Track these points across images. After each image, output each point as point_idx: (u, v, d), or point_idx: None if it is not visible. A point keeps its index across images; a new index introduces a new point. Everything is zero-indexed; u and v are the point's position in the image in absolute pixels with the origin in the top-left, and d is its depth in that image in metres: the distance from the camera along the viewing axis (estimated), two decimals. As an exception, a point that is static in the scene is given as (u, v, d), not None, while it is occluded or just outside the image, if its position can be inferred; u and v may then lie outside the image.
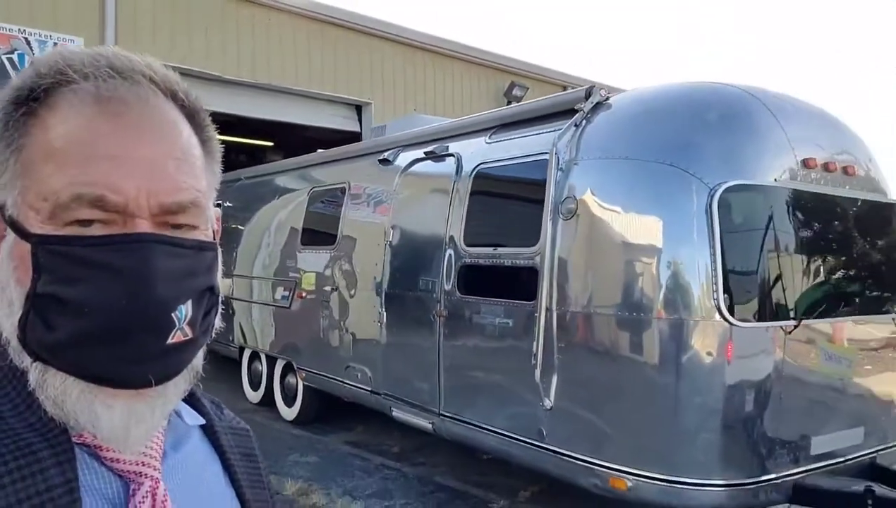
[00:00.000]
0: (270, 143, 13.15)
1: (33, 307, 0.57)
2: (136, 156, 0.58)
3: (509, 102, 12.82)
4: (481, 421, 4.59)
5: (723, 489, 3.67)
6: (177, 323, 0.58)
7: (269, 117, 10.39)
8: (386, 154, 5.83)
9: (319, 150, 7.72)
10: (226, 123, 10.32)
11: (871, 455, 4.23)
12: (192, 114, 0.65)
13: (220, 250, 0.67)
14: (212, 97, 9.52)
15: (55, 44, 8.14)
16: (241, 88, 9.85)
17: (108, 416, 0.58)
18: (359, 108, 11.31)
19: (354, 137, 10.51)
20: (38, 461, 0.56)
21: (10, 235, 0.59)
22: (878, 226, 4.32)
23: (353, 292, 6.01)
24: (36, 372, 0.58)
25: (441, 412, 4.93)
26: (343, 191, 6.35)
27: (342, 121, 11.24)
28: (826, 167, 4.05)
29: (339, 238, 6.23)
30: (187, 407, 0.73)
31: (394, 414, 5.43)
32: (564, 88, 14.48)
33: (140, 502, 0.60)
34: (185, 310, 0.59)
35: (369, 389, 5.70)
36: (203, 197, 0.63)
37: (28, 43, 7.97)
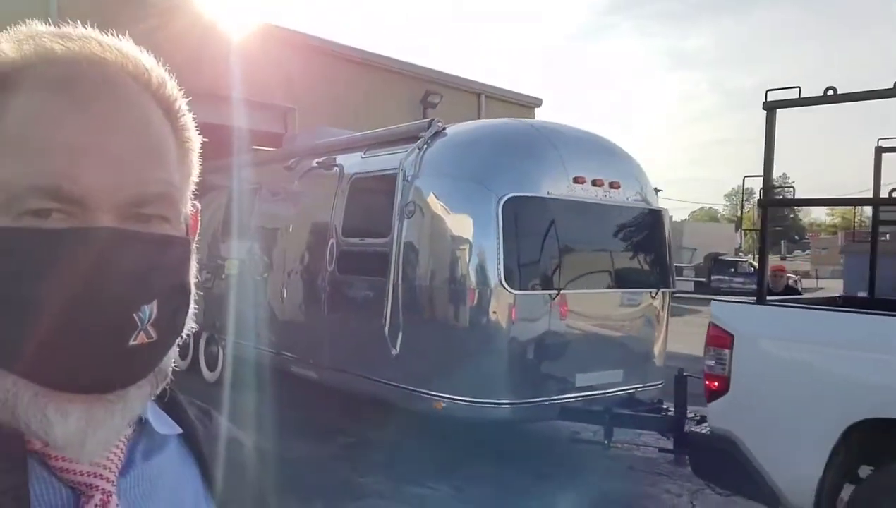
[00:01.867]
0: (206, 140, 14.33)
1: None
2: (100, 144, 0.53)
3: (425, 109, 14.27)
4: (353, 369, 6.09)
5: (508, 406, 5.28)
6: (139, 324, 0.53)
7: (205, 120, 11.62)
8: (290, 162, 7.27)
9: (241, 155, 9.01)
10: None
11: (629, 391, 5.90)
12: (166, 102, 0.60)
13: (194, 246, 0.63)
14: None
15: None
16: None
17: (63, 423, 0.53)
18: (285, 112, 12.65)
19: (280, 138, 11.88)
20: None
21: None
22: (636, 225, 6.01)
23: (264, 274, 7.42)
24: None
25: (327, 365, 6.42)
26: (256, 190, 7.75)
27: (269, 123, 12.56)
28: (594, 182, 5.69)
29: (252, 229, 7.63)
30: (163, 414, 0.66)
31: (292, 369, 6.88)
32: (478, 96, 16.08)
33: None
34: (150, 310, 0.53)
35: (274, 352, 7.14)
36: (174, 189, 0.58)
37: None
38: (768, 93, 3.30)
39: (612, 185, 5.83)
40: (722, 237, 38.65)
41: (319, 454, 5.76)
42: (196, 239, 0.65)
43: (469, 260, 5.31)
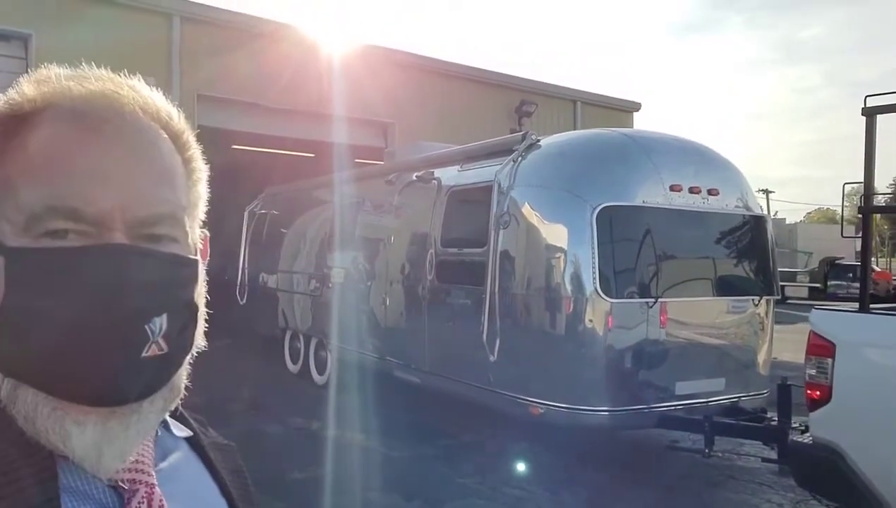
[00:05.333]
0: (311, 155, 15.15)
1: (2, 320, 0.55)
2: (112, 168, 0.58)
3: (520, 119, 14.38)
4: (452, 374, 6.33)
5: (606, 413, 5.34)
6: (151, 336, 0.57)
7: (308, 137, 12.33)
8: (390, 176, 7.65)
9: (345, 171, 9.52)
10: (271, 141, 12.40)
11: (732, 400, 5.81)
12: (174, 135, 0.65)
13: (202, 268, 0.66)
14: (260, 121, 11.54)
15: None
16: (285, 113, 11.75)
17: (80, 435, 0.56)
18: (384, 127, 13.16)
19: (381, 152, 12.39)
20: (18, 479, 0.54)
21: None
22: (737, 232, 5.91)
23: (368, 283, 7.83)
24: (7, 388, 0.57)
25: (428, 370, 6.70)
26: (359, 204, 8.19)
27: (370, 138, 13.10)
28: (692, 190, 5.66)
29: (356, 240, 8.07)
30: (174, 421, 0.72)
31: (395, 373, 7.22)
32: (574, 102, 16.00)
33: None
34: (160, 323, 0.57)
35: (378, 356, 7.51)
36: (182, 211, 0.63)
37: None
38: (867, 98, 3.23)
39: (710, 192, 5.77)
40: (841, 240, 36.08)
41: (422, 454, 6.03)
42: (205, 263, 0.69)
43: (564, 269, 5.43)
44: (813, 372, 3.65)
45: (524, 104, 14.35)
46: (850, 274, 26.99)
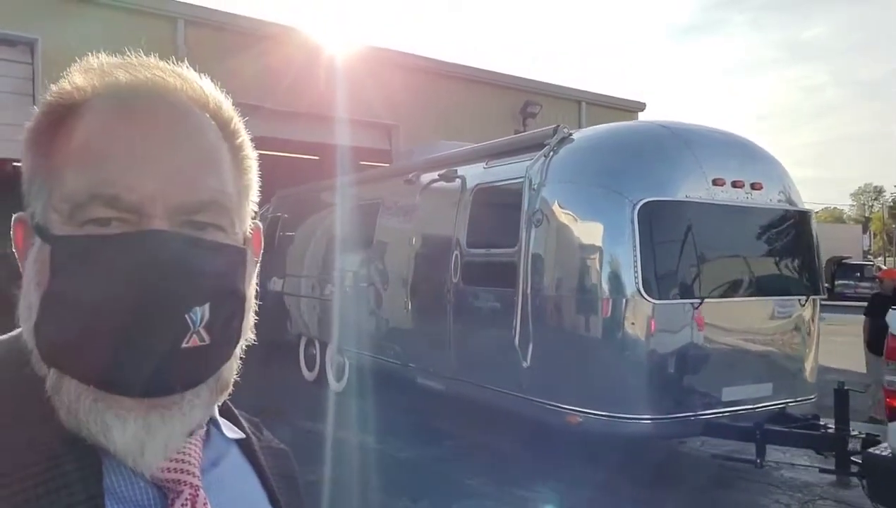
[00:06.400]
0: (315, 157, 14.93)
1: (44, 308, 0.55)
2: (155, 155, 0.57)
3: (525, 119, 14.17)
4: (479, 380, 6.02)
5: (649, 421, 5.03)
6: (192, 326, 0.55)
7: (312, 140, 12.16)
8: (410, 175, 7.35)
9: (361, 171, 9.23)
10: (276, 143, 12.18)
11: (780, 406, 5.49)
12: (222, 123, 0.64)
13: (251, 258, 0.65)
14: (264, 123, 11.30)
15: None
16: (289, 116, 11.57)
17: (121, 429, 0.55)
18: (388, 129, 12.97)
19: (385, 154, 12.20)
20: (64, 474, 0.53)
21: (37, 241, 0.58)
22: (781, 228, 5.60)
23: (387, 286, 7.52)
24: (52, 379, 0.56)
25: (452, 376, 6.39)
26: (378, 205, 7.88)
27: (374, 141, 12.91)
28: (735, 184, 5.36)
29: (375, 243, 7.77)
30: (226, 421, 0.70)
31: (418, 380, 6.91)
32: (578, 103, 15.79)
33: None
34: (202, 313, 0.56)
35: (399, 363, 7.20)
36: (227, 199, 0.61)
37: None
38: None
39: (754, 186, 5.47)
40: (846, 239, 35.92)
41: (436, 455, 5.74)
42: (258, 255, 0.69)
43: (602, 269, 5.13)
44: (894, 378, 3.34)
45: (529, 105, 14.28)
46: (858, 274, 26.64)
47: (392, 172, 8.15)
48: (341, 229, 8.56)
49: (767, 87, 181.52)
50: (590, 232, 5.26)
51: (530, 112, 14.08)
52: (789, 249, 5.67)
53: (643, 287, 4.93)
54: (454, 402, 6.61)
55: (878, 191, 78.82)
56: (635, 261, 4.94)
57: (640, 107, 17.00)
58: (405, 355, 7.13)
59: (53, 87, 0.62)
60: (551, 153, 5.60)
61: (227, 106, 0.66)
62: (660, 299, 4.99)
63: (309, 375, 9.23)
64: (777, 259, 5.63)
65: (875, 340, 6.46)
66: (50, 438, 0.55)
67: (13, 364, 0.58)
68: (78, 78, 0.61)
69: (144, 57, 0.64)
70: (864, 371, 7.54)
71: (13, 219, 0.62)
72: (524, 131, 11.76)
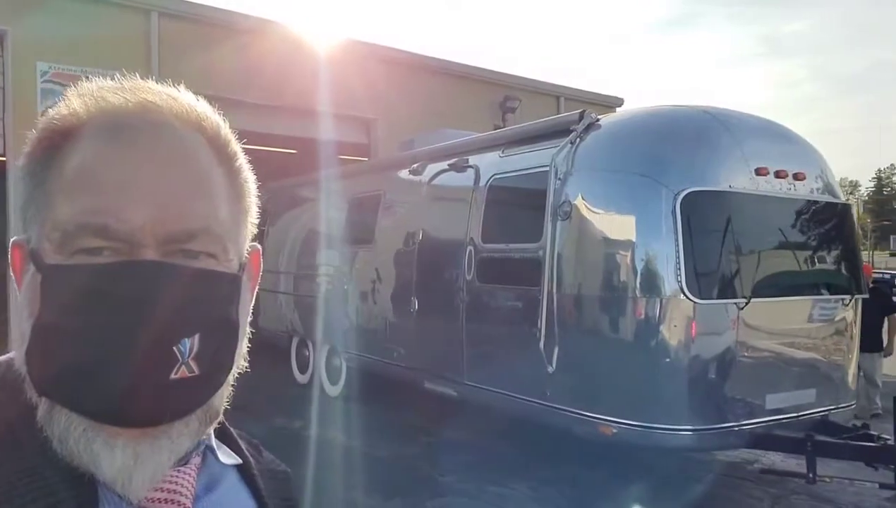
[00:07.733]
0: (293, 151, 14.45)
1: (34, 338, 0.55)
2: (145, 183, 0.56)
3: (504, 114, 13.91)
4: (497, 386, 5.55)
5: (690, 433, 4.60)
6: (180, 358, 0.54)
7: (291, 134, 11.70)
8: (415, 165, 6.84)
9: (361, 162, 8.70)
10: (255, 137, 11.65)
11: (823, 413, 5.10)
12: (219, 146, 0.63)
13: (246, 283, 0.64)
14: (243, 118, 10.74)
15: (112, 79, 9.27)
16: (269, 110, 11.06)
17: (110, 457, 0.54)
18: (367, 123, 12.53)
19: (364, 148, 11.80)
20: (58, 503, 0.53)
21: (31, 268, 0.58)
22: (823, 222, 5.20)
23: (389, 285, 7.01)
24: (43, 408, 0.56)
25: (465, 381, 5.91)
26: (379, 199, 7.36)
27: (354, 135, 12.48)
28: (777, 174, 4.94)
29: (375, 239, 7.25)
30: (223, 446, 0.69)
31: (426, 385, 6.42)
32: (557, 98, 15.50)
33: None
34: (191, 344, 0.55)
35: (404, 366, 6.70)
36: (219, 225, 0.60)
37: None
38: None
39: (797, 176, 5.06)
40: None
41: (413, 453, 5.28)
42: (257, 279, 0.69)
43: (637, 266, 4.68)
44: None
45: (508, 99, 14.20)
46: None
47: (395, 162, 7.62)
48: (339, 223, 8.03)
49: (748, 81, 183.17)
50: (623, 225, 4.81)
51: (510, 106, 13.92)
52: (833, 245, 5.27)
53: (686, 285, 4.49)
54: (486, 413, 6.14)
55: (854, 186, 79.94)
56: (677, 258, 4.50)
57: (619, 102, 16.82)
58: (410, 357, 6.64)
59: (50, 111, 0.62)
60: (578, 139, 5.14)
61: (224, 128, 0.64)
62: (702, 299, 4.56)
63: (301, 378, 8.69)
64: (821, 256, 5.23)
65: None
66: (46, 468, 0.55)
67: (8, 388, 0.58)
68: (73, 101, 0.61)
69: (139, 79, 0.63)
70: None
71: (11, 242, 0.62)
72: (504, 126, 11.53)
